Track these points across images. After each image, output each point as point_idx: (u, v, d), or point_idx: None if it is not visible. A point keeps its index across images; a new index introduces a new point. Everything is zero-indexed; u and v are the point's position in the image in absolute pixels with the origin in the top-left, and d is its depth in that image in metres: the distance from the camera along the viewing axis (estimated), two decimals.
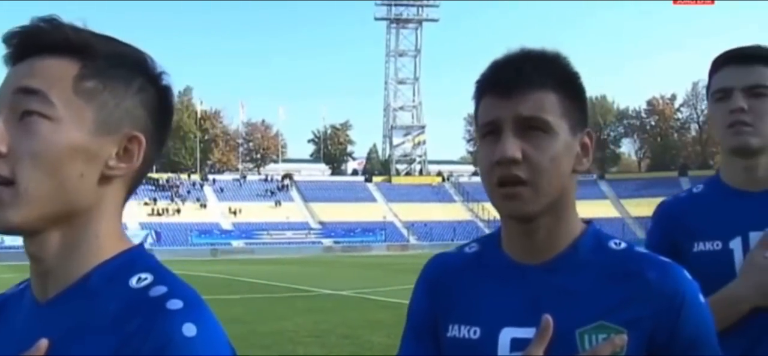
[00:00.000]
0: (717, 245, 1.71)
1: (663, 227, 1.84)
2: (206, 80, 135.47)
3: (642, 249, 1.21)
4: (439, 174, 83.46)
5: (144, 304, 0.90)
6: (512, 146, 1.12)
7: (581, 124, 1.20)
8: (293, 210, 69.96)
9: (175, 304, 0.88)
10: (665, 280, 1.14)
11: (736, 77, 1.70)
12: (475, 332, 1.20)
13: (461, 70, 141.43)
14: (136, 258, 0.98)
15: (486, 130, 1.17)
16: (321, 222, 68.02)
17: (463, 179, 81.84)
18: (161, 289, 0.91)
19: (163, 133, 1.03)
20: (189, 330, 0.86)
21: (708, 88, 1.77)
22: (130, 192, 1.01)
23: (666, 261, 1.18)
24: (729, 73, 1.72)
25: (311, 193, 73.45)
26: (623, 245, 1.21)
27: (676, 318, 1.12)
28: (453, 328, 1.23)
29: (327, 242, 63.99)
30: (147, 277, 0.94)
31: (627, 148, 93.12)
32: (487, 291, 1.22)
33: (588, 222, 1.25)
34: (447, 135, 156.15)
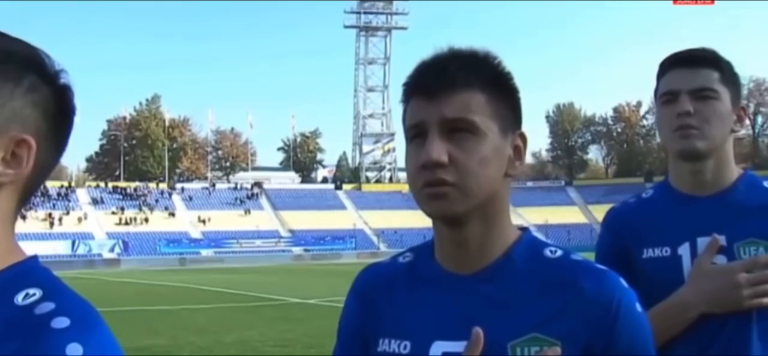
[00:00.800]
0: (666, 251, 1.69)
1: (612, 233, 1.82)
2: (174, 88, 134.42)
3: (578, 257, 1.15)
4: None
5: (27, 323, 0.83)
6: (437, 149, 1.08)
7: (513, 126, 1.16)
8: (263, 218, 69.64)
9: (61, 322, 0.82)
10: (600, 289, 1.09)
11: (683, 80, 1.68)
12: (405, 346, 1.15)
13: None
14: (27, 272, 0.90)
15: (412, 133, 1.13)
16: (291, 231, 67.80)
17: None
18: (48, 306, 0.84)
19: (61, 136, 0.95)
20: (74, 349, 0.80)
21: (656, 91, 1.75)
22: (22, 201, 0.94)
23: (601, 270, 1.13)
24: (676, 75, 1.70)
25: (281, 201, 73.19)
26: (559, 253, 1.16)
27: (612, 328, 1.07)
28: (383, 343, 1.18)
29: (297, 250, 63.78)
30: (35, 293, 0.86)
31: (594, 154, 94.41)
32: (419, 303, 1.17)
33: (523, 229, 1.21)
34: None
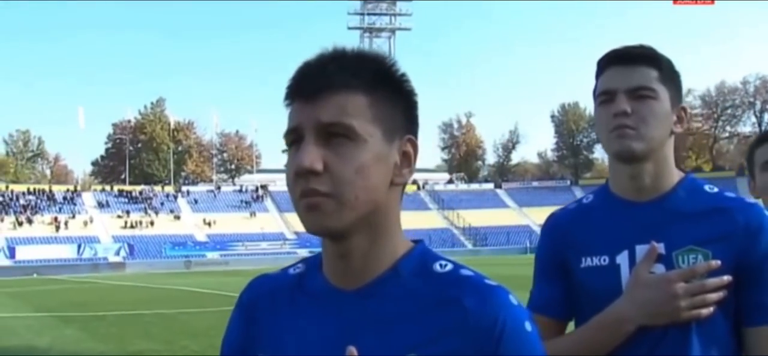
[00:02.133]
0: (604, 260, 1.62)
1: (550, 241, 1.74)
2: (179, 91, 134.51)
3: (468, 272, 1.08)
4: (414, 182, 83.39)
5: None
6: (310, 156, 1.01)
7: (402, 131, 1.09)
8: (268, 220, 69.61)
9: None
10: (483, 308, 1.02)
11: (620, 79, 1.60)
12: None
13: (435, 78, 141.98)
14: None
15: (290, 139, 1.07)
16: (296, 233, 67.71)
17: (439, 187, 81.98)
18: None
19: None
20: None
21: (594, 90, 1.68)
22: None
23: (489, 286, 1.05)
24: (613, 74, 1.62)
25: (286, 204, 72.92)
26: (449, 267, 1.09)
27: (495, 350, 1.01)
28: None
29: (302, 252, 63.55)
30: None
31: (600, 153, 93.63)
32: (299, 319, 1.12)
33: (417, 242, 1.14)
34: (421, 143, 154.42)
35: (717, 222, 1.54)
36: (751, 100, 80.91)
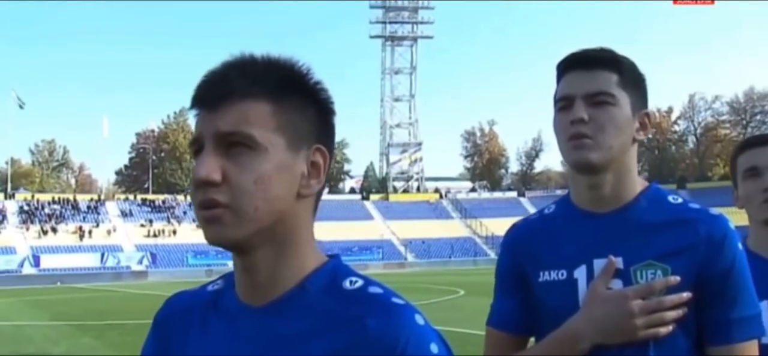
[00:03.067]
0: (561, 274, 1.52)
1: (510, 254, 1.64)
2: None
3: (377, 290, 1.02)
4: (437, 191, 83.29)
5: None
6: (207, 166, 0.97)
7: (309, 140, 1.04)
8: None
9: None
10: (386, 328, 0.96)
11: (578, 84, 1.50)
12: None
13: (457, 85, 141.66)
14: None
15: (193, 149, 1.03)
16: (318, 242, 67.10)
17: (461, 196, 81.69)
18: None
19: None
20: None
21: (554, 96, 1.57)
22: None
23: (395, 304, 0.99)
24: (571, 79, 1.51)
25: None
26: (359, 284, 1.03)
27: None
28: None
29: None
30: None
31: None
32: (208, 337, 1.07)
33: (333, 256, 1.09)
34: (444, 151, 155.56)
35: (678, 234, 1.47)
36: (743, 107, 79.49)
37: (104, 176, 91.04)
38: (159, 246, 62.61)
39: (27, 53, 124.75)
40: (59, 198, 68.07)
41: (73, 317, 20.46)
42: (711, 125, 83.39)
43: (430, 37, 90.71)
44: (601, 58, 1.51)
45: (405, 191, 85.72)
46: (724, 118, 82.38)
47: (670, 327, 1.42)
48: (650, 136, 1.58)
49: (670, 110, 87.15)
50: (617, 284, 1.46)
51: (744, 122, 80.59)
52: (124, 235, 63.79)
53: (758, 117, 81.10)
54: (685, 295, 1.42)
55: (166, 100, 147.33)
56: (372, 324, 0.96)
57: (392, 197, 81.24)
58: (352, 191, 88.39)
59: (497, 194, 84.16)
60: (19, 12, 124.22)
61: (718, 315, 1.44)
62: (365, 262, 62.11)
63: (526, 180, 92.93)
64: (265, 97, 1.00)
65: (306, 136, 1.03)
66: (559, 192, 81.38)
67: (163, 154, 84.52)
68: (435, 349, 0.96)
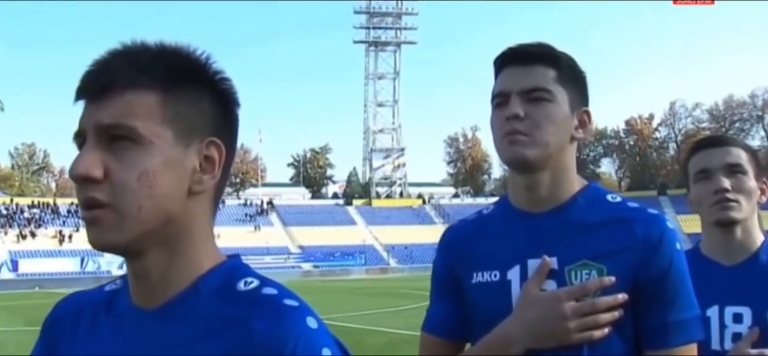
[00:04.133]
0: (495, 276, 1.49)
1: (444, 256, 1.61)
2: None
3: (272, 290, 0.97)
4: (420, 196, 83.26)
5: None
6: (85, 162, 0.91)
7: (203, 133, 0.97)
8: (273, 234, 69.43)
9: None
10: (274, 331, 0.90)
11: (514, 80, 1.47)
12: None
13: (440, 91, 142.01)
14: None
15: (77, 143, 0.97)
16: (300, 247, 67.55)
17: (444, 201, 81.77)
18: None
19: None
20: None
21: (492, 92, 1.55)
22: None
23: (286, 307, 0.94)
24: (507, 75, 1.49)
25: (291, 217, 72.98)
26: (253, 285, 0.98)
27: None
28: None
29: (306, 266, 63.50)
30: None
31: (607, 167, 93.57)
32: (97, 340, 1.02)
33: (233, 256, 1.04)
34: (427, 157, 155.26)
35: (615, 234, 1.43)
36: (760, 113, 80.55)
37: None
38: None
39: (6, 56, 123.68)
40: (39, 202, 67.44)
41: None
42: (691, 132, 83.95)
43: (414, 43, 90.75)
44: (539, 53, 1.49)
45: (388, 196, 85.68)
46: (704, 125, 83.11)
47: (605, 330, 1.38)
48: (585, 135, 1.51)
49: (651, 117, 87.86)
50: (551, 285, 1.42)
51: (724, 129, 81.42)
52: None
53: (737, 125, 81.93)
54: (621, 297, 1.39)
55: None
56: (258, 326, 0.90)
57: (375, 202, 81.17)
58: (335, 196, 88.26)
59: (480, 200, 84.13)
60: None
61: (655, 317, 1.41)
62: (347, 267, 62.09)
63: (508, 186, 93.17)
64: (152, 87, 0.93)
65: (198, 129, 0.96)
66: None
67: None
68: (327, 353, 0.90)
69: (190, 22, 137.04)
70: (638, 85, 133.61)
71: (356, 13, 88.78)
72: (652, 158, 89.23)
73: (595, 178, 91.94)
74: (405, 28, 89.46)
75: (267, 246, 65.96)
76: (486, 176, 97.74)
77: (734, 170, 1.92)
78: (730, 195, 1.90)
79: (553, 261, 1.43)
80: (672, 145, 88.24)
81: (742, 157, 1.95)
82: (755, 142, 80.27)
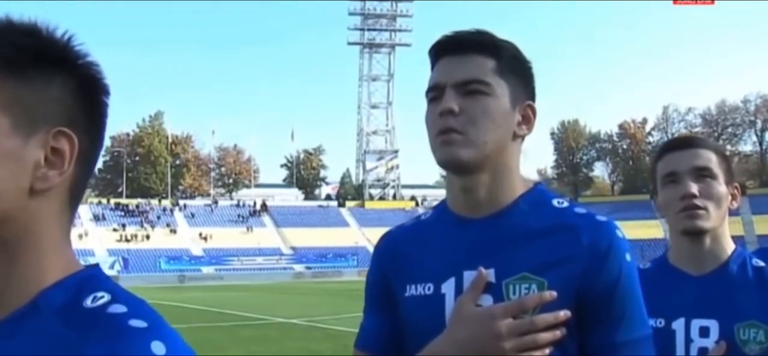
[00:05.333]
0: (428, 288, 1.34)
1: (378, 265, 1.47)
2: (177, 105, 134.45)
3: (120, 308, 0.81)
4: (413, 198, 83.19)
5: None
6: None
7: (48, 122, 0.84)
8: (265, 235, 69.29)
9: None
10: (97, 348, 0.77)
11: (448, 71, 1.34)
12: None
13: None
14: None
15: None
16: (293, 248, 67.40)
17: (437, 203, 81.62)
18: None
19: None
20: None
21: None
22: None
23: (128, 329, 0.79)
24: (442, 66, 1.35)
25: (283, 219, 72.85)
26: (103, 300, 0.83)
27: None
28: None
29: (298, 268, 63.35)
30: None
31: (600, 171, 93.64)
32: None
33: (92, 266, 0.90)
34: (421, 159, 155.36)
35: (559, 243, 1.30)
36: (752, 119, 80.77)
37: None
38: (132, 251, 61.92)
39: None
40: None
41: None
42: None
43: (408, 45, 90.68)
44: (476, 41, 1.35)
45: (381, 198, 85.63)
46: (697, 129, 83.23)
47: (545, 351, 1.24)
48: (529, 132, 1.36)
49: (644, 121, 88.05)
50: (487, 300, 1.28)
51: (716, 134, 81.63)
52: (97, 240, 62.97)
53: (729, 130, 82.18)
54: (563, 314, 1.25)
55: (141, 104, 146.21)
56: (91, 352, 0.76)
57: (368, 204, 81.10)
58: (328, 198, 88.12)
59: None
60: None
61: (602, 336, 1.27)
62: (340, 269, 61.98)
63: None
64: None
65: (44, 118, 0.84)
66: None
67: (137, 158, 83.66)
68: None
69: (181, 25, 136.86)
70: (632, 90, 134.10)
71: (351, 14, 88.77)
72: (645, 162, 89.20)
73: (589, 181, 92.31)
74: (399, 30, 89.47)
75: (259, 247, 65.82)
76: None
77: (703, 174, 1.81)
78: (697, 202, 1.78)
79: (489, 273, 1.29)
80: None
81: (711, 160, 1.82)
82: (747, 147, 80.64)
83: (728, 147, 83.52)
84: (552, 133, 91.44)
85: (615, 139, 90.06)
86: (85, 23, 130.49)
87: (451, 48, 1.35)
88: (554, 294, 1.25)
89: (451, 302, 1.31)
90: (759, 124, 79.97)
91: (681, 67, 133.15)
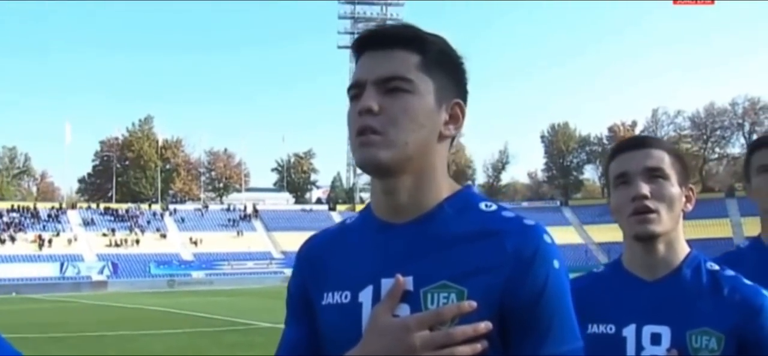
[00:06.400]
0: (346, 297, 1.28)
1: (298, 272, 1.41)
2: (167, 109, 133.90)
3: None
4: None
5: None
6: None
7: None
8: (255, 239, 69.05)
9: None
10: None
11: (369, 68, 1.28)
12: None
13: None
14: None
15: None
16: (283, 252, 67.14)
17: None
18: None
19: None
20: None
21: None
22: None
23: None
24: (363, 62, 1.29)
25: (274, 223, 72.63)
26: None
27: None
28: None
29: (289, 272, 62.77)
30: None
31: (590, 174, 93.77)
32: None
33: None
34: None
35: (482, 249, 1.23)
36: (740, 121, 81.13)
37: (67, 184, 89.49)
38: (121, 256, 61.60)
39: None
40: (19, 207, 66.61)
41: (15, 330, 19.78)
42: (673, 139, 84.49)
43: None
44: (400, 35, 1.28)
45: None
46: (686, 132, 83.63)
47: None
48: (457, 131, 1.30)
49: (634, 124, 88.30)
50: (404, 310, 1.21)
51: (705, 136, 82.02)
52: (86, 244, 62.65)
53: (718, 132, 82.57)
54: (483, 325, 1.18)
55: (131, 108, 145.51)
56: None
57: (359, 208, 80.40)
58: (319, 201, 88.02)
59: None
60: None
61: (527, 350, 1.20)
62: None
63: (493, 192, 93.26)
64: None
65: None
66: (525, 204, 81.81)
67: (127, 163, 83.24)
68: None
69: (170, 29, 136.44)
70: (622, 92, 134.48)
71: (340, 18, 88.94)
72: None
73: (579, 184, 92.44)
74: None
75: (250, 251, 65.60)
76: (470, 182, 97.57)
77: (655, 174, 1.74)
78: (649, 204, 1.71)
79: (408, 281, 1.22)
80: None
81: (664, 160, 1.76)
82: (735, 150, 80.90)
83: (717, 150, 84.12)
84: (542, 136, 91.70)
85: (605, 141, 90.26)
86: (73, 25, 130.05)
87: (372, 43, 1.29)
88: (474, 304, 1.19)
89: (369, 311, 1.25)
90: (747, 127, 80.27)
91: (670, 70, 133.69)
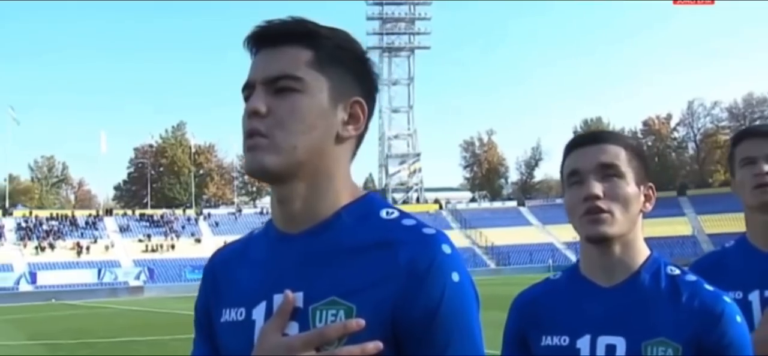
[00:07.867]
0: (240, 314, 1.22)
1: (202, 288, 1.38)
2: (199, 114, 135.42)
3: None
4: (437, 201, 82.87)
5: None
6: None
7: None
8: None
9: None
10: None
11: (259, 66, 1.21)
12: None
13: (455, 96, 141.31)
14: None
15: None
16: None
17: (461, 206, 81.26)
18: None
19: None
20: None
21: None
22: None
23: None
24: (254, 62, 1.23)
25: None
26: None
27: None
28: None
29: None
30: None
31: None
32: None
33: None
34: (443, 162, 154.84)
35: (374, 261, 1.15)
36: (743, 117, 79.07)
37: (103, 191, 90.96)
38: (157, 261, 62.37)
39: (24, 69, 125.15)
40: (57, 215, 67.90)
41: (49, 336, 20.22)
42: (710, 131, 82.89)
43: (428, 48, 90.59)
44: (289, 31, 1.20)
45: (404, 202, 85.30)
46: (723, 123, 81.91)
47: None
48: (358, 132, 1.25)
49: (669, 117, 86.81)
50: (294, 328, 1.14)
51: (743, 128, 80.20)
52: (122, 250, 63.59)
53: (757, 122, 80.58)
54: (371, 345, 1.10)
55: (164, 115, 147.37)
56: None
57: None
58: None
59: (497, 204, 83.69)
60: (16, 27, 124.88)
61: None
62: None
63: (526, 190, 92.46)
64: None
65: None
66: (559, 201, 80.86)
67: (161, 169, 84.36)
68: None
69: (203, 36, 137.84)
70: (654, 85, 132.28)
71: (369, 19, 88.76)
72: (670, 158, 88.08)
73: None
74: (418, 33, 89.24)
75: None
76: (503, 180, 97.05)
77: (609, 172, 1.61)
78: (601, 205, 1.59)
79: (297, 298, 1.14)
80: (691, 145, 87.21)
81: (619, 156, 1.63)
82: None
83: None
84: (575, 131, 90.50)
85: (639, 135, 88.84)
86: (106, 35, 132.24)
87: (262, 40, 1.22)
88: (362, 322, 1.10)
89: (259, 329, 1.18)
90: (748, 123, 78.43)
91: (706, 61, 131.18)
